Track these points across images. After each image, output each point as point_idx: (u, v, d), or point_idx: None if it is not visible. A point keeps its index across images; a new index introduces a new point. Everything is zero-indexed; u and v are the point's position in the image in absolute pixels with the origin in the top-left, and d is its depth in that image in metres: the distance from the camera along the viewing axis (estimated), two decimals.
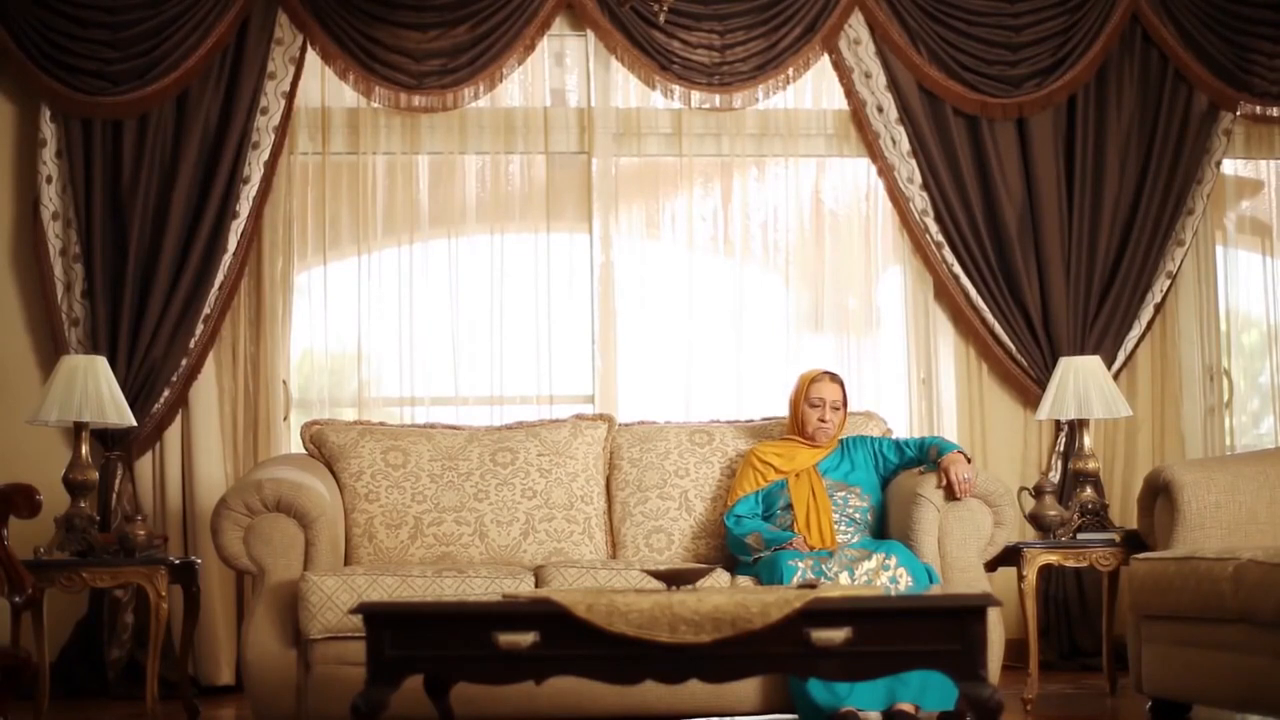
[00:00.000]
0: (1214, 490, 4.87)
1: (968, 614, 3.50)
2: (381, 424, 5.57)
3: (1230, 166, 6.79)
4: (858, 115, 6.47)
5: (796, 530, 5.00)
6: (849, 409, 5.35)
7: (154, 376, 6.03)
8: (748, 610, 3.45)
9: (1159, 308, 6.50)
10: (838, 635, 3.46)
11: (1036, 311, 6.41)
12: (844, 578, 4.60)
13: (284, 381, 6.26)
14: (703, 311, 6.52)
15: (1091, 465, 5.75)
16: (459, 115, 6.38)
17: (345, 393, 6.43)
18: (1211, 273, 6.73)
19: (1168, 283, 6.51)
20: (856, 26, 6.46)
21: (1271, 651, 4.10)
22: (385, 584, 4.64)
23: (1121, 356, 6.45)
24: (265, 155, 6.19)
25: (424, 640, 3.56)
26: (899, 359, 6.63)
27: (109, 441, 5.97)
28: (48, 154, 6.10)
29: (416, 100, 6.29)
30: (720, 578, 4.72)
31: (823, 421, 5.21)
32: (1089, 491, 5.69)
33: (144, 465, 6.08)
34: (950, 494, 4.92)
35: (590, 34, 6.44)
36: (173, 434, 6.11)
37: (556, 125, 6.48)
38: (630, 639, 3.46)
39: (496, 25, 6.30)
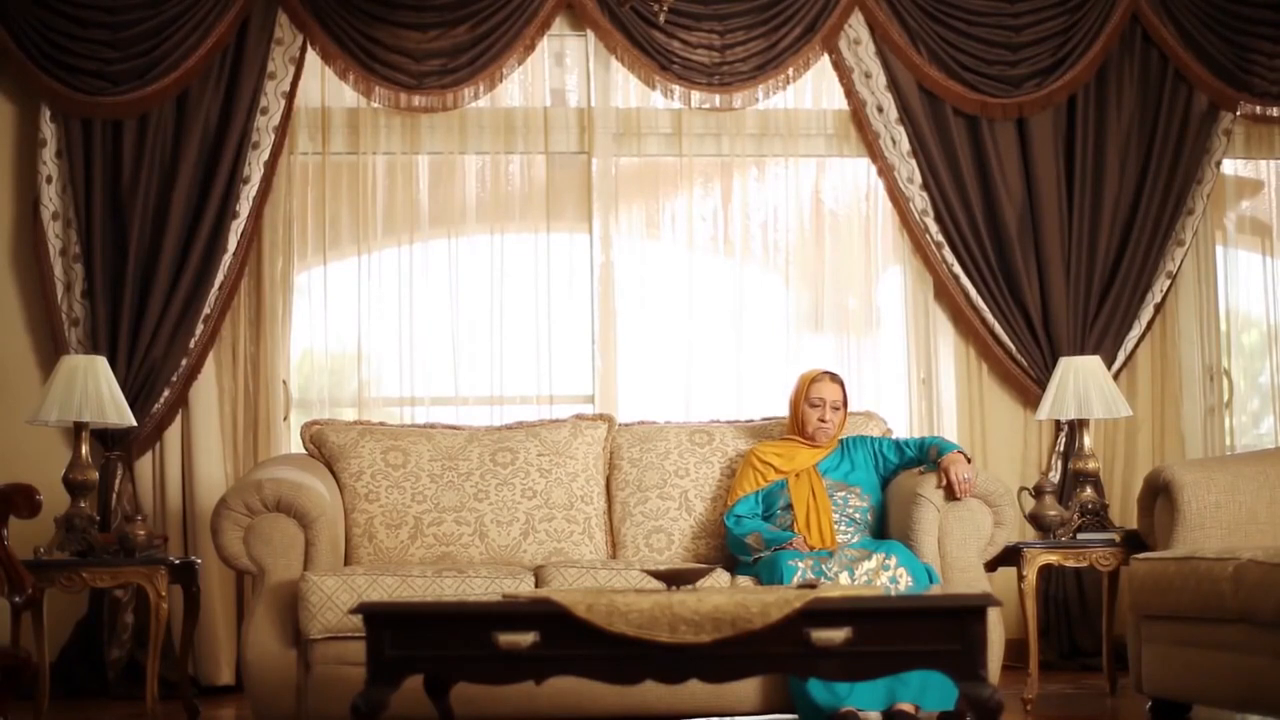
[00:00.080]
0: (1214, 490, 4.87)
1: (968, 614, 3.50)
2: (381, 424, 5.57)
3: (1230, 166, 6.79)
4: (858, 115, 6.47)
5: (796, 530, 5.00)
6: (849, 409, 5.35)
7: (154, 376, 6.03)
8: (748, 610, 3.45)
9: (1159, 308, 6.50)
10: (838, 635, 3.46)
11: (1036, 311, 6.41)
12: (844, 578, 4.60)
13: (284, 381, 6.26)
14: (703, 311, 6.52)
15: (1091, 465, 5.75)
16: (459, 115, 6.38)
17: (345, 393, 6.43)
18: (1211, 273, 6.73)
19: (1168, 283, 6.51)
20: (856, 26, 6.46)
21: (1271, 651, 4.10)
22: (385, 584, 4.64)
23: (1121, 356, 6.45)
24: (265, 155, 6.19)
25: (424, 640, 3.56)
26: (899, 359, 6.63)
27: (109, 441, 5.97)
28: (48, 154, 6.10)
29: (416, 100, 6.29)
30: (720, 578, 4.72)
31: (823, 421, 5.21)
32: (1089, 491, 5.69)
33: (144, 465, 6.08)
34: (950, 494, 4.92)
35: (590, 34, 6.44)
36: (173, 434, 6.11)
37: (556, 125, 6.48)
38: (630, 639, 3.46)
39: (496, 25, 6.30)
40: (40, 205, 6.07)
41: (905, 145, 6.42)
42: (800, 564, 4.68)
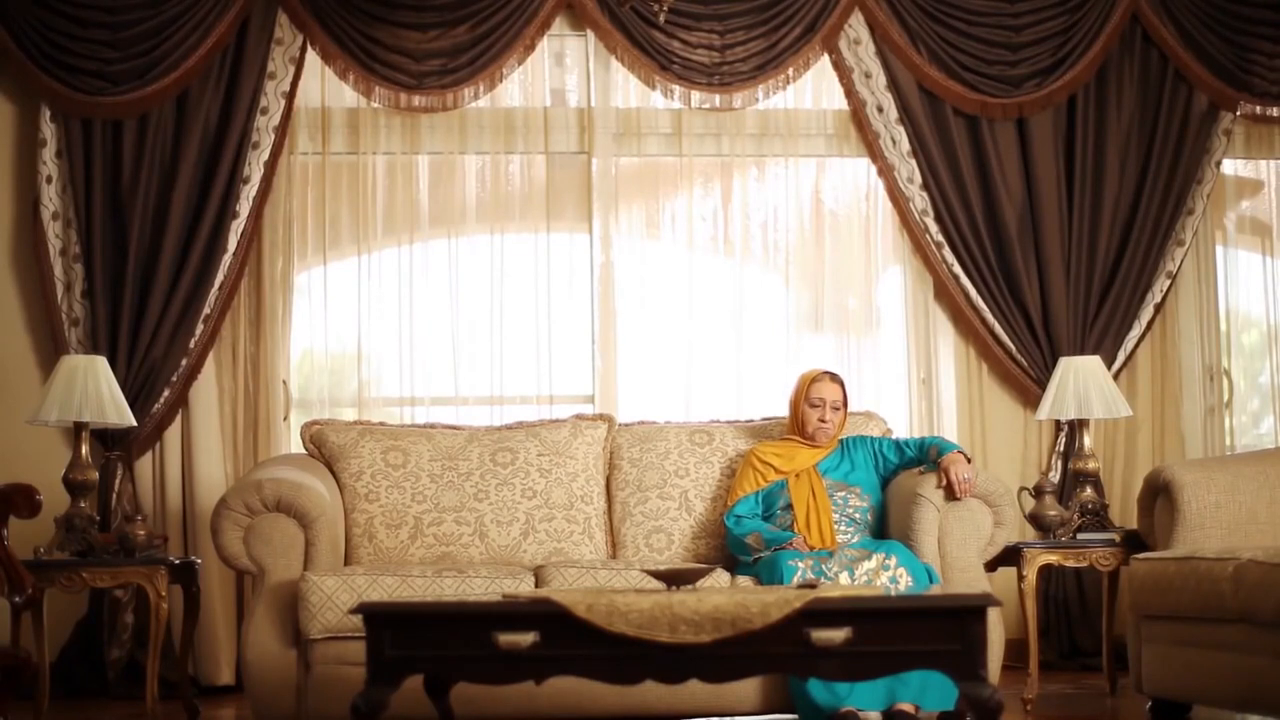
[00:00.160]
0: (1214, 490, 4.87)
1: (968, 614, 3.50)
2: (381, 424, 5.57)
3: (1230, 166, 6.79)
4: (858, 115, 6.47)
5: (796, 530, 5.00)
6: (849, 409, 5.35)
7: (154, 376, 6.03)
8: (748, 610, 3.45)
9: (1159, 308, 6.50)
10: (838, 635, 3.46)
11: (1036, 311, 6.41)
12: (844, 578, 4.60)
13: (284, 381, 6.26)
14: (703, 311, 6.52)
15: (1091, 465, 5.75)
16: (459, 115, 6.38)
17: (345, 393, 6.43)
18: (1211, 273, 6.73)
19: (1168, 283, 6.51)
20: (856, 26, 6.46)
21: (1271, 651, 4.10)
22: (385, 584, 4.64)
23: (1121, 356, 6.45)
24: (265, 155, 6.19)
25: (424, 640, 3.56)
26: (899, 359, 6.63)
27: (109, 441, 5.97)
28: (48, 154, 6.10)
29: (416, 100, 6.29)
30: (720, 578, 4.72)
31: (823, 422, 5.21)
32: (1089, 491, 5.69)
33: (144, 465, 6.08)
34: (950, 494, 4.92)
35: (590, 34, 6.44)
36: (173, 434, 6.11)
37: (556, 125, 6.48)
38: (630, 639, 3.46)
39: (496, 25, 6.30)
40: (40, 205, 6.07)
41: (905, 145, 6.42)
42: (800, 564, 4.68)
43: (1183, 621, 4.55)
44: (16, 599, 3.94)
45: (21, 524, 4.09)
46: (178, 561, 5.32)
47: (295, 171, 6.33)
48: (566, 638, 3.50)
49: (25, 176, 6.18)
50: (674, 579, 3.77)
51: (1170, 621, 4.63)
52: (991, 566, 5.16)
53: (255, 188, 6.18)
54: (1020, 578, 5.36)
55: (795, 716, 4.56)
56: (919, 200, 6.43)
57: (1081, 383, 5.76)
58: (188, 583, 5.42)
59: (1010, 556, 5.32)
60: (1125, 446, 6.49)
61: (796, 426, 5.28)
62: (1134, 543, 5.27)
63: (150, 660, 5.18)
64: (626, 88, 6.51)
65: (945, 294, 6.48)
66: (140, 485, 6.05)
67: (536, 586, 4.76)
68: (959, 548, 4.92)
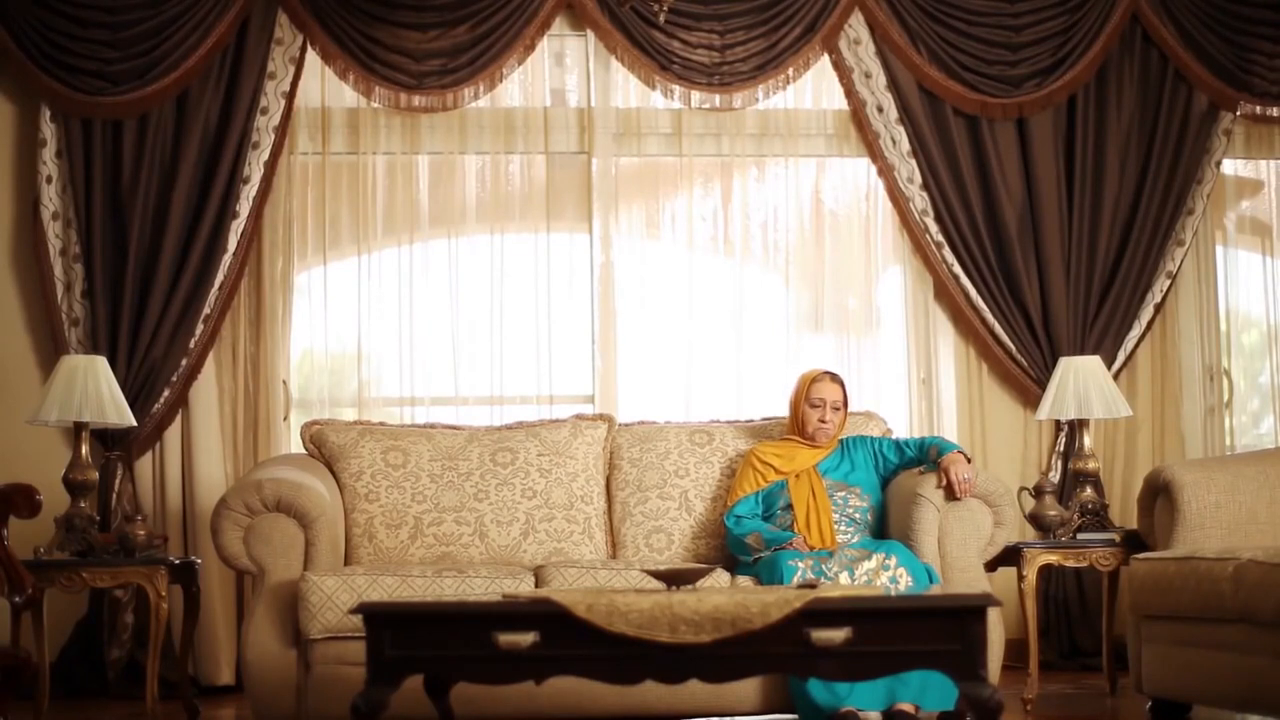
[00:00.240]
0: (1214, 490, 4.87)
1: (968, 614, 3.50)
2: (381, 424, 5.57)
3: (1230, 166, 6.79)
4: (858, 115, 6.47)
5: (796, 530, 5.00)
6: (849, 409, 5.35)
7: (154, 376, 6.03)
8: (748, 610, 3.45)
9: (1159, 308, 6.50)
10: (838, 635, 3.46)
11: (1036, 311, 6.41)
12: (844, 578, 4.60)
13: (284, 381, 6.26)
14: (703, 311, 6.52)
15: (1091, 465, 5.75)
16: (459, 115, 6.38)
17: (345, 393, 6.43)
18: (1211, 273, 6.73)
19: (1168, 283, 6.51)
20: (856, 26, 6.46)
21: (1271, 651, 4.10)
22: (385, 584, 4.64)
23: (1121, 356, 6.45)
24: (265, 155, 6.19)
25: (424, 640, 3.56)
26: (899, 359, 6.63)
27: (109, 441, 5.97)
28: (48, 154, 6.10)
29: (416, 100, 6.29)
30: (720, 578, 4.72)
31: (823, 422, 5.21)
32: (1089, 491, 5.69)
33: (144, 465, 6.08)
34: (950, 494, 4.92)
35: (590, 34, 6.44)
36: (173, 434, 6.11)
37: (556, 125, 6.48)
38: (630, 639, 3.46)
39: (496, 25, 6.30)
40: (40, 205, 6.07)
41: (905, 145, 6.42)
42: (800, 564, 4.68)
43: (1183, 621, 4.55)
44: (16, 599, 3.94)
45: (21, 524, 4.09)
46: (178, 561, 5.32)
47: (295, 171, 6.33)
48: (566, 638, 3.50)
49: (25, 176, 6.18)
50: (674, 579, 3.77)
51: (1170, 621, 4.63)
52: (991, 566, 5.16)
53: (255, 188, 6.18)
54: (1020, 578, 5.36)
55: (795, 716, 4.56)
56: (919, 200, 6.43)
57: (1081, 383, 5.76)
58: (188, 583, 5.42)
59: (1010, 556, 5.32)
60: (1125, 446, 6.49)
61: (796, 427, 5.28)
62: (1134, 543, 5.27)
63: (150, 660, 5.19)
64: (626, 88, 6.51)
65: (945, 294, 6.48)
66: (140, 485, 6.05)
67: (536, 586, 4.76)
68: (959, 548, 4.92)
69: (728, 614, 3.45)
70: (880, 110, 6.45)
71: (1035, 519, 5.55)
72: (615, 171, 6.52)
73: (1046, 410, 5.86)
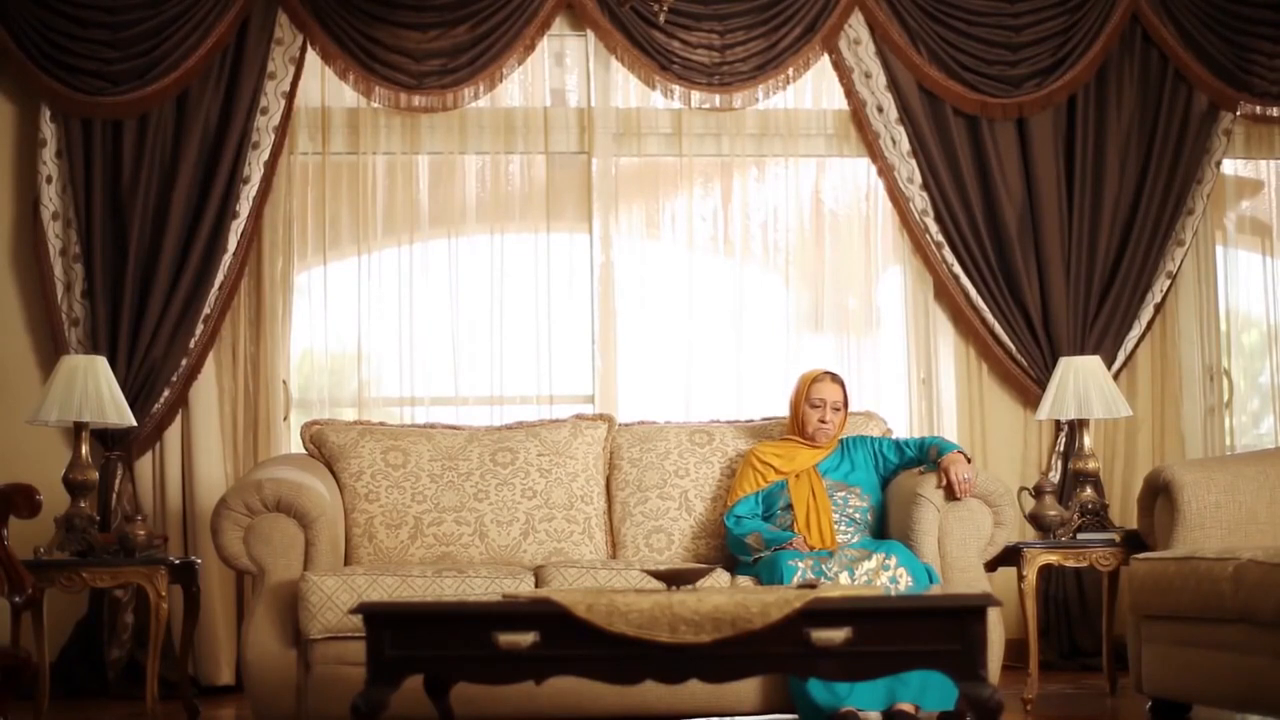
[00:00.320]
0: (1214, 490, 4.87)
1: (968, 614, 3.50)
2: (381, 424, 5.57)
3: (1230, 166, 6.79)
4: (858, 115, 6.47)
5: (796, 530, 5.00)
6: (849, 409, 5.35)
7: (154, 376, 6.03)
8: (748, 610, 3.45)
9: (1159, 308, 6.50)
10: (838, 635, 3.46)
11: (1036, 311, 6.41)
12: (844, 578, 4.60)
13: (284, 381, 6.26)
14: (703, 311, 6.52)
15: (1091, 465, 5.75)
16: (459, 115, 6.38)
17: (345, 393, 6.43)
18: (1211, 273, 6.73)
19: (1168, 283, 6.51)
20: (856, 26, 6.46)
21: (1271, 651, 4.10)
22: (385, 584, 4.64)
23: (1121, 356, 6.45)
24: (265, 155, 6.19)
25: (424, 640, 3.56)
26: (899, 359, 6.63)
27: (109, 441, 5.97)
28: (48, 154, 6.10)
29: (416, 100, 6.29)
30: (720, 578, 4.72)
31: (823, 422, 5.21)
32: (1089, 491, 5.69)
33: (144, 465, 6.08)
34: (950, 494, 4.92)
35: (590, 34, 6.44)
36: (173, 434, 6.11)
37: (556, 125, 6.48)
38: (630, 639, 3.45)
39: (496, 25, 6.30)
40: (40, 205, 6.07)
41: (905, 145, 6.42)
42: (800, 564, 4.68)
43: (1183, 621, 4.55)
44: (16, 599, 3.94)
45: (21, 524, 4.09)
46: (178, 561, 5.32)
47: (295, 171, 6.33)
48: (566, 638, 3.50)
49: (25, 176, 6.18)
50: (674, 579, 3.77)
51: (1170, 621, 4.63)
52: (991, 566, 5.16)
53: (255, 188, 6.18)
54: (1020, 578, 5.36)
55: (795, 716, 4.56)
56: (919, 200, 6.43)
57: (1081, 383, 5.76)
58: (188, 583, 5.42)
59: (1010, 556, 5.32)
60: (1125, 446, 6.49)
61: (797, 427, 5.28)
62: (1134, 543, 5.27)
63: (150, 660, 5.19)
64: (626, 88, 6.51)
65: (945, 294, 6.48)
66: (140, 485, 6.05)
67: (536, 586, 4.76)
68: (959, 548, 4.92)
69: (728, 614, 3.45)
70: (880, 110, 6.45)
71: (1035, 519, 5.55)
72: (615, 171, 6.52)
73: (1046, 410, 5.86)
